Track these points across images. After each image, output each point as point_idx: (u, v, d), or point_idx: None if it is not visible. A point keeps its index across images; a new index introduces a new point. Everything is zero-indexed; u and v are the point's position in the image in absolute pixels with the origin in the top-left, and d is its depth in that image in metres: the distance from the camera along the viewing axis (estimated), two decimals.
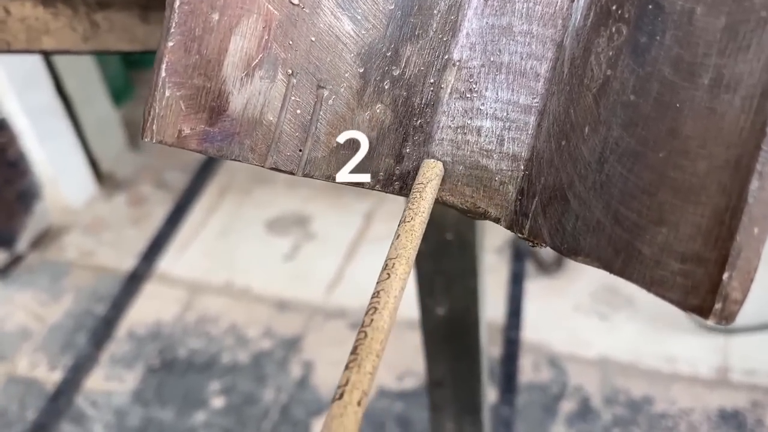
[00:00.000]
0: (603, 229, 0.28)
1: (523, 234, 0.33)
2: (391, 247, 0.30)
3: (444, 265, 0.68)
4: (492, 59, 0.33)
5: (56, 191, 1.73)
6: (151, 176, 1.86)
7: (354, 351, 0.26)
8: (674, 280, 0.25)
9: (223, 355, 1.46)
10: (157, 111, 0.29)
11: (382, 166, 0.34)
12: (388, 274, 0.29)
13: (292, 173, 0.32)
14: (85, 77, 1.77)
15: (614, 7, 0.29)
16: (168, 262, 1.65)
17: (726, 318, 0.24)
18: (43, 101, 1.65)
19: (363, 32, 0.32)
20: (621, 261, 0.27)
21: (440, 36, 0.33)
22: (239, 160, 0.31)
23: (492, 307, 1.47)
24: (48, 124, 1.67)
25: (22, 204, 1.68)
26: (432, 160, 0.34)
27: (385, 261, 0.30)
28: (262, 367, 1.43)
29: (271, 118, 0.31)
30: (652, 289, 0.26)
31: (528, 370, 1.39)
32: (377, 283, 0.28)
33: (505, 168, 0.34)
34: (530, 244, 0.32)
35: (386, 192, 0.34)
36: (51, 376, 1.44)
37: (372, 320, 0.26)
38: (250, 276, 1.60)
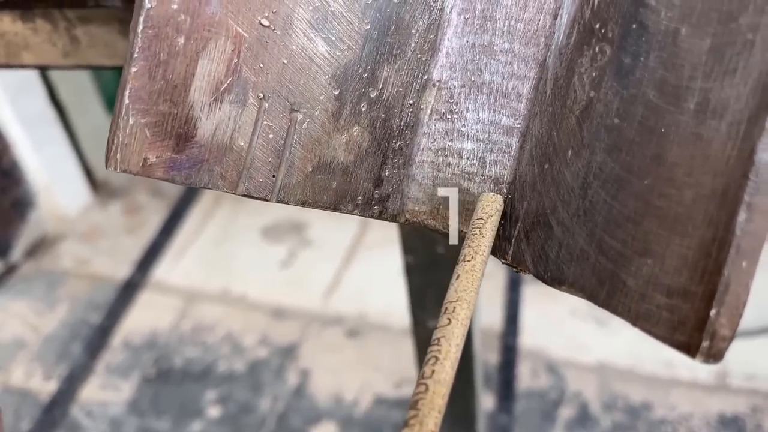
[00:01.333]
0: (587, 258, 0.27)
1: (506, 260, 0.31)
2: (450, 288, 0.28)
3: (435, 277, 0.67)
4: (473, 79, 0.32)
5: (51, 199, 1.72)
6: (146, 184, 1.85)
7: (414, 406, 0.24)
8: (660, 315, 0.24)
9: (219, 364, 1.45)
10: (120, 139, 0.28)
11: (361, 190, 0.33)
12: (449, 319, 0.27)
13: (265, 200, 0.31)
14: (79, 85, 1.76)
15: (597, 26, 0.28)
16: (163, 270, 1.64)
17: (714, 356, 0.23)
18: (37, 109, 1.64)
19: (338, 53, 0.31)
20: (605, 292, 0.26)
21: (419, 56, 0.32)
22: (209, 188, 0.30)
23: (489, 313, 1.46)
24: (42, 132, 1.66)
25: (16, 213, 1.67)
26: (492, 194, 0.32)
27: (444, 305, 0.28)
28: (259, 375, 1.42)
29: (242, 144, 0.30)
30: (638, 324, 0.25)
31: (526, 377, 1.38)
32: (436, 329, 0.26)
33: (487, 191, 0.32)
34: (514, 270, 0.31)
35: (365, 216, 0.33)
36: (46, 386, 1.43)
37: (433, 371, 0.25)
38: (246, 283, 1.59)
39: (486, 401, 1.33)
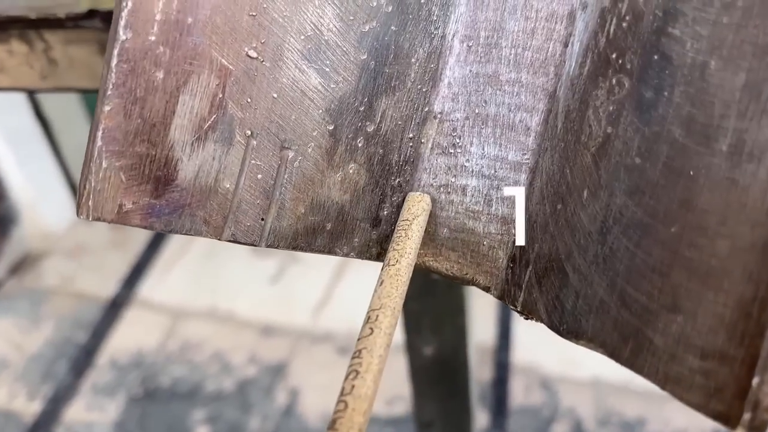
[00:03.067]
0: (608, 310, 0.25)
1: (516, 307, 0.29)
2: (373, 295, 0.26)
3: (431, 304, 0.65)
4: (477, 111, 0.30)
5: (35, 216, 1.69)
6: None
7: (332, 425, 0.22)
8: (693, 379, 0.22)
9: (208, 383, 1.42)
10: (93, 185, 0.26)
11: (357, 232, 0.30)
12: (371, 329, 0.25)
13: (253, 245, 0.28)
14: (65, 100, 1.73)
15: (614, 56, 0.26)
16: (150, 288, 1.61)
17: (757, 428, 0.20)
18: (22, 124, 1.62)
19: (332, 86, 0.28)
20: (629, 350, 0.24)
21: (419, 86, 0.29)
22: (191, 234, 0.27)
23: (481, 329, 1.44)
24: (26, 147, 1.64)
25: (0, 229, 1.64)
26: (417, 192, 0.30)
27: (367, 313, 0.25)
28: (248, 394, 1.40)
29: (228, 186, 0.28)
30: (667, 388, 0.22)
31: (519, 393, 1.36)
32: (358, 340, 0.24)
33: (494, 231, 0.30)
34: (525, 318, 0.29)
35: (362, 259, 0.31)
36: (30, 407, 1.40)
37: (353, 387, 0.23)
38: (234, 300, 1.57)
39: (479, 418, 1.31)
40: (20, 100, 1.61)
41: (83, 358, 1.48)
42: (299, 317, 1.52)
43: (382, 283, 0.27)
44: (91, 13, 0.47)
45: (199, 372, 1.44)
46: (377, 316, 0.25)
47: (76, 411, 1.39)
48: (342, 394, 0.23)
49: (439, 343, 0.67)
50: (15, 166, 1.62)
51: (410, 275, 0.27)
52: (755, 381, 0.20)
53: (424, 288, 0.63)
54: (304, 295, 1.56)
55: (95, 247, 1.72)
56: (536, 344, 1.43)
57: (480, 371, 1.37)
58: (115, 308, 1.58)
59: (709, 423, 1.23)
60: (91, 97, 1.84)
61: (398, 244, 0.28)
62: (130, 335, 1.52)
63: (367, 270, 1.55)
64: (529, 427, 1.31)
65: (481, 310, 1.48)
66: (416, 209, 0.30)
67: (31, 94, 1.58)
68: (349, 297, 1.54)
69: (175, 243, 1.70)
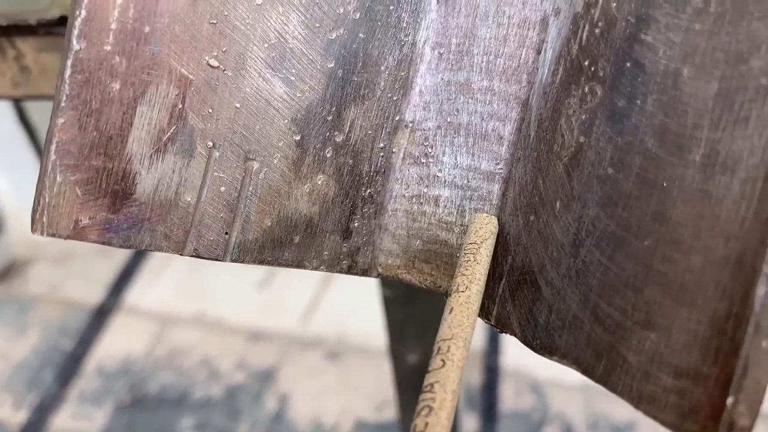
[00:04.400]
0: (581, 326, 0.24)
1: (489, 321, 0.28)
2: (443, 324, 0.24)
3: (415, 311, 0.64)
4: (449, 120, 0.29)
5: (20, 223, 1.68)
6: None
7: None
8: (667, 399, 0.21)
9: (196, 390, 1.41)
10: (47, 200, 0.25)
11: (327, 245, 0.29)
12: (443, 360, 0.23)
13: (217, 260, 0.28)
14: (49, 107, 1.71)
15: (587, 63, 0.25)
16: (137, 294, 1.60)
17: None
18: (6, 131, 1.60)
19: (298, 95, 0.27)
20: (603, 368, 0.23)
21: (389, 95, 0.29)
22: (151, 250, 0.26)
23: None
24: (11, 154, 1.62)
25: None
26: (485, 215, 0.29)
27: (437, 344, 0.24)
28: (236, 400, 1.39)
29: (189, 199, 0.27)
30: (641, 407, 0.22)
31: (509, 398, 1.35)
32: (429, 372, 0.23)
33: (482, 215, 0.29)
34: (499, 332, 0.28)
35: (333, 272, 0.30)
36: (15, 416, 1.38)
37: (427, 424, 0.21)
38: (222, 306, 1.56)
39: (469, 423, 1.30)
40: (4, 106, 1.59)
41: (70, 366, 1.47)
42: (288, 323, 1.51)
43: (452, 311, 0.25)
44: (63, 20, 0.46)
45: (187, 379, 1.43)
46: (449, 347, 0.23)
47: (62, 419, 1.38)
48: (414, 430, 0.21)
49: (423, 351, 0.66)
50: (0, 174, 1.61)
51: (480, 302, 0.26)
52: (729, 401, 0.20)
53: (407, 295, 0.63)
54: (293, 300, 1.55)
55: (81, 254, 1.70)
56: (525, 348, 1.42)
57: (469, 375, 1.36)
58: (101, 315, 1.56)
59: None
60: None
61: (467, 269, 0.26)
62: (118, 342, 1.51)
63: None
64: (519, 431, 1.30)
65: None
66: (484, 232, 0.28)
67: (2, 101, 1.57)
68: (338, 302, 1.53)
69: None
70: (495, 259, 0.28)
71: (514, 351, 1.41)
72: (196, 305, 1.56)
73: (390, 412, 1.34)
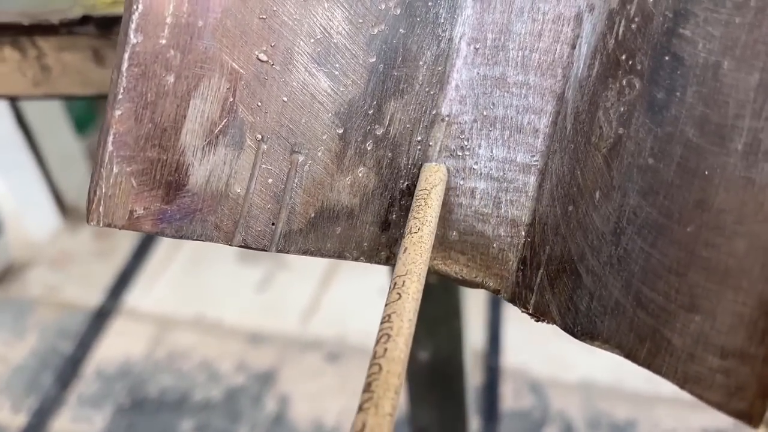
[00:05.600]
0: (623, 311, 0.25)
1: (527, 309, 0.29)
2: (398, 262, 0.26)
3: (427, 308, 0.64)
4: (485, 113, 0.30)
5: (18, 225, 1.67)
6: None
7: (367, 388, 0.22)
8: (713, 379, 0.22)
9: (196, 392, 1.41)
10: (104, 190, 0.25)
11: (367, 236, 0.30)
12: (399, 294, 0.25)
13: (264, 250, 0.28)
14: (47, 107, 1.71)
15: (624, 57, 0.26)
16: (136, 297, 1.60)
17: None
18: (3, 132, 1.60)
19: (342, 89, 0.28)
20: (647, 351, 0.24)
21: (427, 89, 0.29)
22: (202, 240, 0.27)
23: (471, 334, 1.44)
24: (8, 155, 1.62)
25: None
26: (434, 163, 0.30)
27: (393, 279, 0.26)
28: (236, 403, 1.39)
29: (239, 190, 0.27)
30: (686, 387, 0.22)
31: (509, 397, 1.36)
32: (386, 305, 0.25)
33: (503, 234, 0.30)
34: (536, 320, 0.29)
35: (372, 263, 0.31)
36: (15, 420, 1.38)
37: (386, 350, 0.23)
38: (221, 308, 1.56)
39: (470, 423, 1.30)
40: (2, 108, 1.59)
41: (69, 369, 1.47)
42: (287, 324, 1.51)
43: (405, 250, 0.27)
44: (85, 20, 0.47)
45: (187, 381, 1.43)
46: (404, 282, 0.25)
47: (62, 423, 1.37)
48: (375, 357, 0.23)
49: (434, 348, 0.67)
50: None
51: (432, 242, 0.28)
52: None
53: None
54: (293, 301, 1.56)
55: (80, 257, 1.70)
56: (525, 348, 1.43)
57: (470, 375, 1.37)
58: (100, 318, 1.56)
59: (697, 424, 1.23)
60: (74, 105, 1.83)
61: (419, 213, 0.28)
62: (117, 345, 1.51)
63: (356, 276, 1.54)
64: (519, 430, 1.31)
65: (471, 314, 1.48)
66: (433, 179, 0.30)
67: (22, 101, 1.57)
68: (338, 303, 1.54)
69: (161, 251, 1.69)
70: (532, 249, 0.29)
71: (514, 351, 1.42)
72: (195, 307, 1.56)
73: None
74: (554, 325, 0.28)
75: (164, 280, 1.62)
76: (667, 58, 0.24)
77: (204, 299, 1.57)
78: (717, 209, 0.22)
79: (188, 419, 1.36)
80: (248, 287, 1.59)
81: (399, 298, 0.25)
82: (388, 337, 0.23)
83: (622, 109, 0.26)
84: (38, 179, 1.71)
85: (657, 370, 0.24)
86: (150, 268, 1.65)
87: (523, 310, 0.29)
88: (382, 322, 0.24)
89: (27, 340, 1.52)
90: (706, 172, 0.23)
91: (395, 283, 0.25)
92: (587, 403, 1.33)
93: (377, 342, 0.23)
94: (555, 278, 0.28)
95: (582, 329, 0.26)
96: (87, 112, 1.95)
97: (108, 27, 0.46)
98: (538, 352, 1.41)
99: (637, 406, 1.30)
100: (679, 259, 0.23)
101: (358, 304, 1.51)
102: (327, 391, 1.39)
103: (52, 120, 1.73)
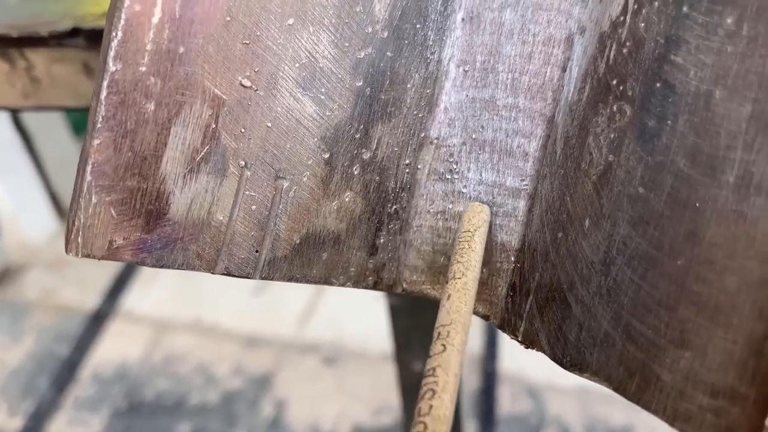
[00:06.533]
0: (613, 344, 0.24)
1: (516, 337, 0.28)
2: (441, 310, 0.25)
3: (421, 319, 0.64)
4: (474, 136, 0.29)
5: (15, 228, 1.67)
6: None
7: None
8: (703, 417, 0.21)
9: (192, 396, 1.40)
10: (82, 221, 0.25)
11: (353, 261, 0.30)
12: (443, 345, 0.23)
13: (248, 278, 0.28)
14: (49, 114, 1.71)
15: (614, 82, 0.25)
16: (133, 300, 1.59)
17: None
18: (1, 135, 1.59)
19: (328, 113, 0.27)
20: (636, 385, 0.23)
21: (415, 112, 0.29)
22: (183, 269, 0.27)
23: (468, 337, 1.44)
24: (6, 158, 1.61)
25: None
26: (477, 203, 0.29)
27: (437, 329, 0.24)
28: (233, 406, 1.38)
29: (221, 218, 0.27)
30: (676, 425, 0.22)
31: (506, 402, 1.35)
32: (430, 357, 0.23)
33: (492, 259, 0.30)
34: (525, 347, 0.28)
35: (358, 288, 0.30)
36: (11, 423, 1.38)
37: (431, 407, 0.21)
38: (218, 312, 1.55)
39: (467, 427, 1.30)
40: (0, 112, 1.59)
41: (65, 372, 1.46)
42: (284, 328, 1.51)
43: (449, 297, 0.25)
44: (75, 32, 0.46)
45: (184, 384, 1.42)
46: (448, 332, 0.24)
47: (58, 426, 1.37)
48: (419, 414, 0.21)
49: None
50: None
51: (476, 288, 0.26)
52: None
53: (413, 303, 0.63)
54: (289, 305, 1.55)
55: (77, 259, 1.70)
56: (522, 352, 1.42)
57: (467, 380, 1.37)
58: (97, 321, 1.56)
59: None
60: (73, 110, 1.82)
61: (462, 257, 0.27)
62: (113, 348, 1.50)
63: None
64: None
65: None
66: (477, 220, 0.29)
67: (13, 112, 1.56)
68: (335, 307, 1.53)
69: None
70: (521, 275, 0.29)
71: (511, 356, 1.41)
72: (192, 311, 1.55)
73: (387, 417, 1.34)
74: (544, 354, 0.27)
75: (161, 283, 1.62)
76: (658, 84, 0.24)
77: (201, 302, 1.57)
78: (708, 243, 0.22)
79: (185, 423, 1.35)
80: (245, 291, 1.58)
81: (444, 350, 0.23)
82: (433, 393, 0.22)
83: (612, 135, 0.25)
84: (35, 182, 1.70)
85: (646, 406, 0.23)
86: (147, 271, 1.65)
87: (513, 337, 0.29)
88: (426, 376, 0.23)
89: (24, 342, 1.52)
90: (697, 204, 0.22)
91: (439, 333, 0.24)
92: (584, 407, 1.33)
93: (421, 398, 0.22)
94: (544, 306, 0.27)
95: (571, 360, 0.26)
96: (84, 116, 1.94)
97: (98, 39, 0.46)
98: (535, 356, 1.41)
99: (633, 412, 1.30)
100: (669, 293, 0.23)
101: (355, 308, 1.50)
102: (324, 395, 1.38)
103: (49, 123, 1.73)
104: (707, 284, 0.22)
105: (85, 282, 1.63)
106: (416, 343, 0.66)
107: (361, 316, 1.47)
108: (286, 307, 1.54)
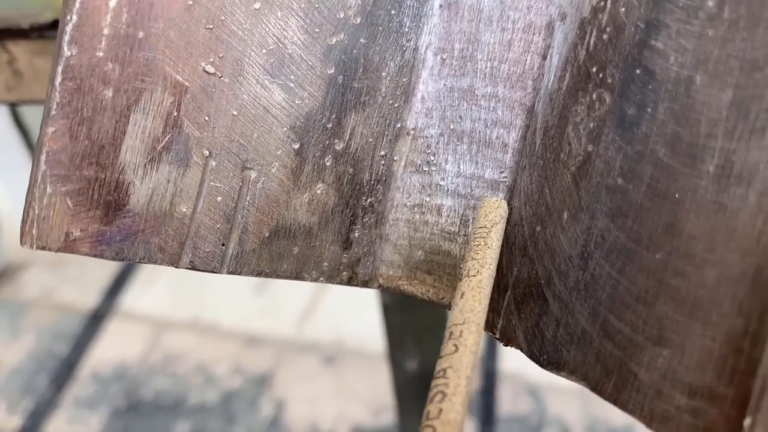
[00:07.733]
0: (590, 341, 0.23)
1: (494, 334, 0.27)
2: (454, 308, 0.24)
3: (414, 317, 0.63)
4: (452, 127, 0.28)
5: (15, 226, 1.67)
6: None
7: None
8: (680, 418, 0.20)
9: (191, 395, 1.40)
10: (36, 212, 0.24)
11: (327, 255, 0.29)
12: (455, 345, 0.22)
13: (213, 272, 0.27)
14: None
15: (594, 70, 0.24)
16: (133, 299, 1.59)
17: None
18: (0, 133, 1.59)
19: (297, 102, 0.26)
20: (613, 384, 0.22)
21: (391, 102, 0.28)
22: (145, 262, 0.26)
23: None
24: (5, 156, 1.61)
25: None
26: (494, 198, 0.28)
27: (449, 329, 0.23)
28: (232, 406, 1.38)
29: (185, 210, 0.26)
30: (653, 426, 0.21)
31: (507, 401, 1.35)
32: (441, 357, 0.22)
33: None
34: (504, 344, 0.27)
35: (332, 283, 0.29)
36: (10, 422, 1.37)
37: (440, 410, 0.20)
38: (217, 311, 1.55)
39: (467, 427, 1.29)
40: None
41: (64, 371, 1.46)
42: (284, 327, 1.50)
43: (462, 295, 0.24)
44: (56, 24, 0.45)
45: (183, 384, 1.42)
46: (461, 332, 0.23)
47: (57, 425, 1.37)
48: (428, 418, 0.20)
49: (422, 357, 0.66)
50: None
51: (491, 287, 0.25)
52: (747, 422, 0.19)
53: (406, 302, 0.62)
54: (289, 305, 1.55)
55: (76, 258, 1.69)
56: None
57: None
58: (96, 320, 1.55)
59: None
60: None
61: (477, 253, 0.25)
62: (113, 347, 1.50)
63: None
64: None
65: None
66: (494, 216, 0.27)
67: None
68: (334, 307, 1.52)
69: None
70: (500, 270, 0.28)
71: (511, 355, 1.40)
72: (191, 310, 1.55)
73: (387, 417, 1.33)
74: (522, 351, 0.26)
75: (160, 283, 1.61)
76: (638, 71, 0.23)
77: (200, 302, 1.56)
78: (687, 235, 0.21)
79: (184, 422, 1.35)
80: (244, 290, 1.58)
81: (456, 351, 0.22)
82: (443, 396, 0.21)
83: (591, 124, 0.24)
84: None
85: (623, 407, 0.22)
86: (146, 270, 1.64)
87: (491, 334, 0.28)
88: (436, 377, 0.21)
89: (23, 341, 1.52)
90: (677, 195, 0.21)
91: (451, 333, 0.23)
92: (585, 407, 1.32)
93: (431, 400, 0.21)
94: (522, 302, 0.26)
95: (548, 358, 0.25)
96: None
97: None
98: None
99: None
100: (647, 288, 0.22)
101: (355, 307, 1.50)
102: (323, 395, 1.38)
103: None
104: (686, 279, 0.21)
105: (85, 281, 1.63)
106: (409, 341, 0.65)
107: (361, 316, 1.46)
108: (285, 306, 1.54)
